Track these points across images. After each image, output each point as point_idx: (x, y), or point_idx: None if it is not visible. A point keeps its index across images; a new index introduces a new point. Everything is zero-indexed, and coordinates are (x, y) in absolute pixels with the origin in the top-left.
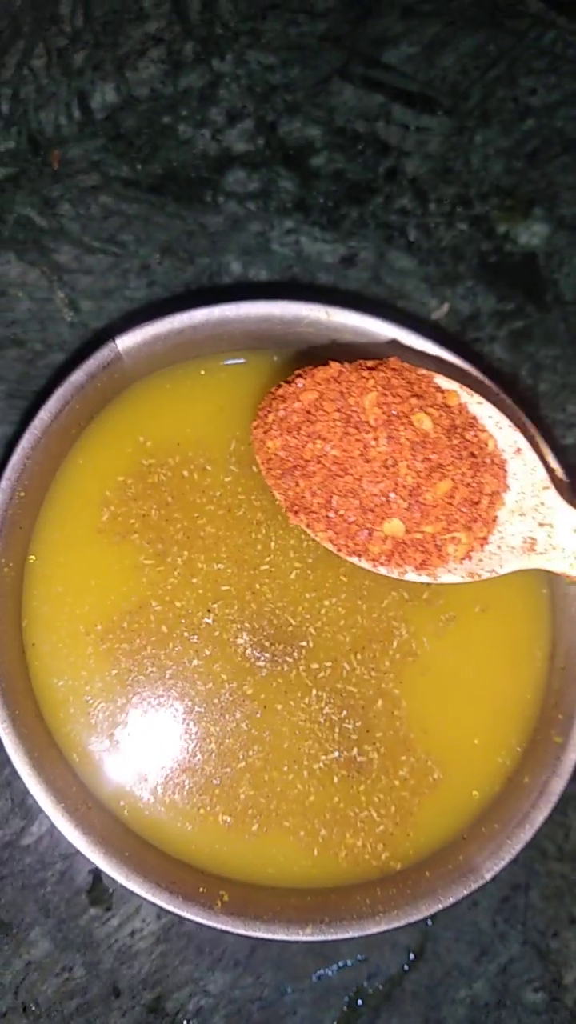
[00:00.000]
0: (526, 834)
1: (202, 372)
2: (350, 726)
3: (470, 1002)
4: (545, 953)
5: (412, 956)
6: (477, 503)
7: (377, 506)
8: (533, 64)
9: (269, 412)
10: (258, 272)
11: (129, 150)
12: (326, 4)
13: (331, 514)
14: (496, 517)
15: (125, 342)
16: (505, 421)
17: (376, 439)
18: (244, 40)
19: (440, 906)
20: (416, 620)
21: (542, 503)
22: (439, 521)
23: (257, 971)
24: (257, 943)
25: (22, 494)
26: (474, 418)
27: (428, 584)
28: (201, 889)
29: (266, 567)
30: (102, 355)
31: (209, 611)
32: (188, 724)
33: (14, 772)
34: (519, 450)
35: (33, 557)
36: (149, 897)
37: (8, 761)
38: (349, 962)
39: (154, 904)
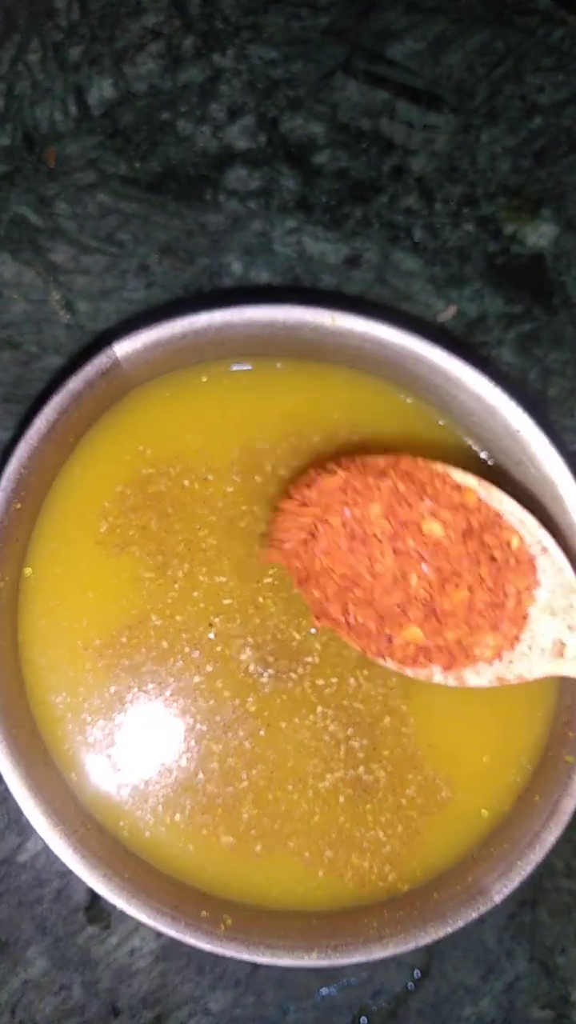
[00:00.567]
0: (536, 855)
1: (203, 379)
2: (356, 744)
3: (476, 1020)
4: (552, 970)
5: (417, 974)
6: (501, 605)
7: (393, 615)
8: (541, 62)
9: (277, 528)
10: (259, 272)
11: (127, 147)
12: None
13: (351, 620)
14: (527, 615)
15: (124, 348)
16: (529, 518)
17: (382, 553)
18: (245, 34)
19: (449, 929)
20: None
21: (571, 605)
22: (460, 627)
23: (259, 990)
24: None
25: (18, 505)
26: (497, 515)
27: None
28: (204, 913)
29: (269, 580)
30: (100, 361)
31: (211, 625)
32: (189, 742)
33: (9, 789)
34: (545, 549)
35: (29, 570)
36: (150, 921)
37: (3, 777)
38: (353, 980)
39: (154, 928)
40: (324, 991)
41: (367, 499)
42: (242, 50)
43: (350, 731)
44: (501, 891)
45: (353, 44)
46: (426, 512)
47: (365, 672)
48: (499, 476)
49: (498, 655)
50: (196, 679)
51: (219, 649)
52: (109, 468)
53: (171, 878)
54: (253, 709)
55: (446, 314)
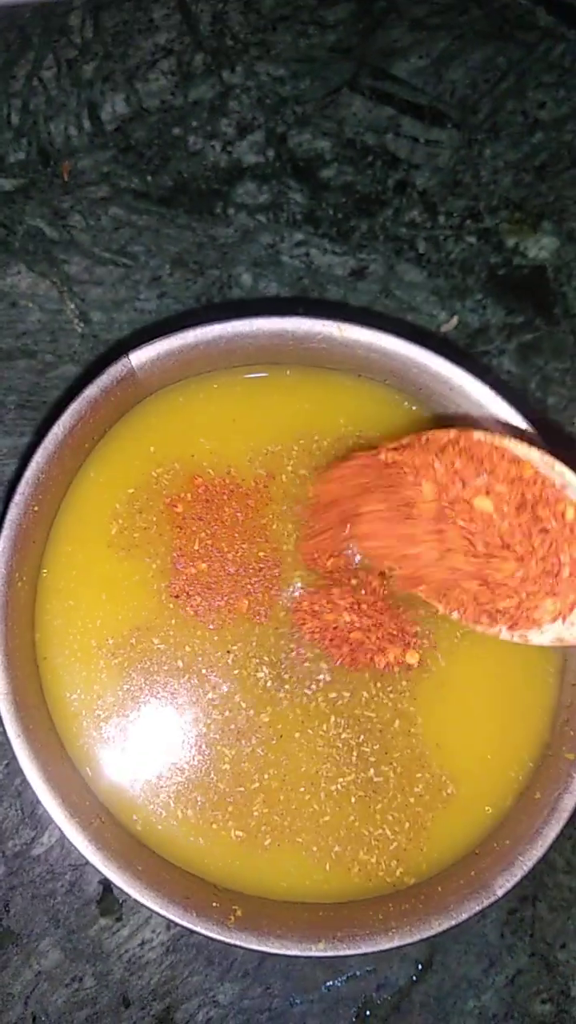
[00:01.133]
0: (538, 850)
1: (215, 386)
2: (368, 749)
3: (479, 1013)
4: (553, 965)
5: (420, 967)
6: (557, 573)
7: (450, 588)
8: (542, 78)
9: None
10: (268, 284)
11: (139, 161)
12: (335, 16)
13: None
14: None
15: (139, 357)
16: None
17: (427, 532)
18: (254, 52)
19: (453, 922)
20: (431, 637)
21: None
22: (513, 596)
23: (266, 982)
24: (266, 954)
25: (36, 508)
26: (552, 486)
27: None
28: (214, 904)
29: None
30: (116, 370)
31: (228, 651)
32: (202, 746)
33: (24, 782)
34: None
35: (46, 571)
36: (162, 911)
37: (18, 771)
38: (358, 973)
39: (167, 918)
40: (329, 983)
41: (422, 477)
42: (251, 67)
43: (362, 738)
44: (503, 885)
45: (359, 61)
46: (480, 487)
47: (378, 684)
48: None
49: (561, 617)
50: (209, 695)
51: (236, 672)
52: (122, 472)
53: (182, 870)
54: (267, 720)
55: (449, 325)
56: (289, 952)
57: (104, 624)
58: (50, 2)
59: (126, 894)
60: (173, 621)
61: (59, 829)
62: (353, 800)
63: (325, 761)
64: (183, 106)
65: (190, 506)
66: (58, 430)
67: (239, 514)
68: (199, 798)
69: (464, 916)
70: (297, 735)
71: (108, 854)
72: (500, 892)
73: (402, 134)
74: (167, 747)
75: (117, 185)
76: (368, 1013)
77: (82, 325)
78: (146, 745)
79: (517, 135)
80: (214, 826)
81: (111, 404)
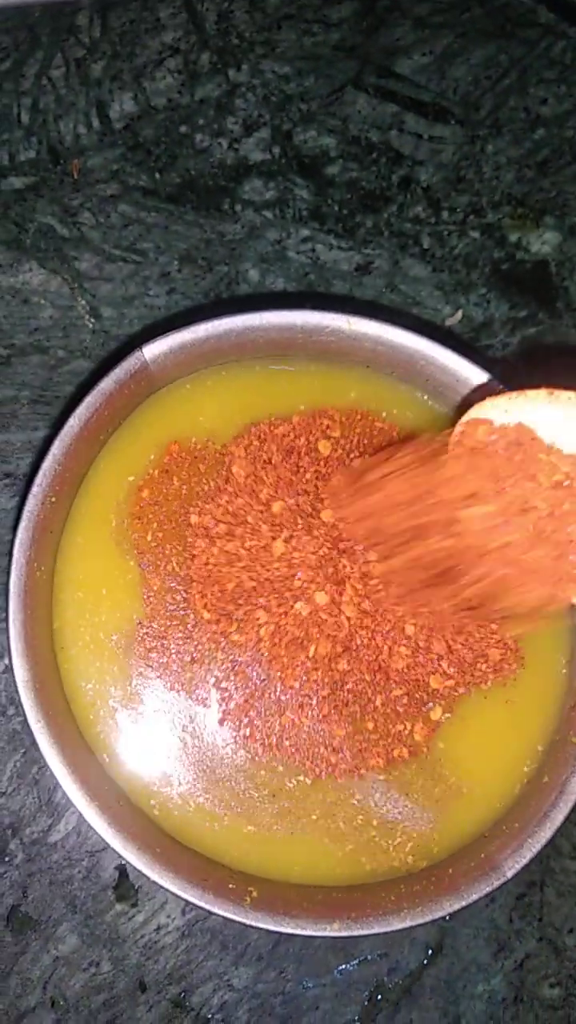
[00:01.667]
0: (546, 833)
1: (226, 379)
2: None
3: (488, 997)
4: (561, 949)
5: (431, 952)
6: None
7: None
8: (544, 74)
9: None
10: (275, 279)
11: (147, 159)
12: (339, 14)
13: None
14: None
15: (152, 350)
16: None
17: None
18: (259, 50)
19: (463, 903)
20: None
21: None
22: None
23: (280, 966)
24: (280, 938)
25: (52, 499)
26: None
27: None
28: (230, 886)
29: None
30: (130, 363)
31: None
32: (211, 742)
33: (41, 771)
34: None
35: (62, 561)
36: (180, 893)
37: (36, 760)
38: (369, 957)
39: (184, 900)
40: (342, 967)
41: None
42: (256, 65)
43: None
44: (513, 867)
45: (363, 59)
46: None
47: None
48: None
49: None
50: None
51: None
52: (131, 464)
53: (199, 854)
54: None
55: (453, 319)
56: (304, 932)
57: (108, 619)
58: (58, 2)
59: (142, 880)
60: (180, 614)
61: (76, 816)
62: (364, 786)
63: (337, 706)
64: (190, 104)
65: (195, 497)
66: (74, 422)
67: (270, 503)
68: (212, 788)
69: (474, 897)
70: (307, 719)
71: (126, 837)
72: (510, 873)
73: (406, 131)
74: (178, 742)
75: (126, 183)
76: (380, 997)
77: (93, 321)
78: (159, 734)
79: (519, 131)
80: (227, 813)
81: (125, 397)
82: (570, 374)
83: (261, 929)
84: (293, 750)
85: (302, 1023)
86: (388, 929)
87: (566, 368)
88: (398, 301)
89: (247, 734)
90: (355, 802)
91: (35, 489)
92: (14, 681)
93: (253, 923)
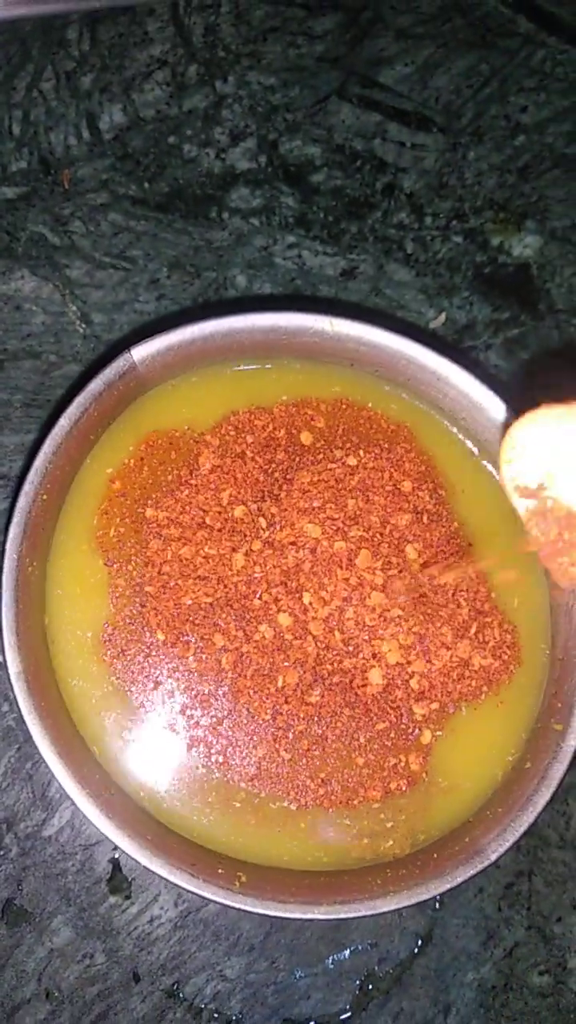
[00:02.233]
0: (528, 817)
1: (212, 379)
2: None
3: (478, 985)
4: (549, 938)
5: (420, 941)
6: None
7: None
8: (524, 82)
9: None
10: (262, 285)
11: (137, 169)
12: (323, 26)
13: None
14: None
15: (140, 352)
16: None
17: None
18: (245, 62)
19: (448, 886)
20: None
21: None
22: None
23: (272, 956)
24: (272, 929)
25: (44, 497)
26: None
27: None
28: (220, 871)
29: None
30: (119, 364)
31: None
32: (184, 763)
33: (35, 766)
34: None
35: (51, 558)
36: (170, 878)
37: (30, 755)
38: (360, 947)
39: (175, 885)
40: (333, 957)
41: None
42: (243, 77)
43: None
44: (496, 851)
45: (347, 70)
46: None
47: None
48: (483, 464)
49: None
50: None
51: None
52: (116, 463)
53: (188, 840)
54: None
55: (437, 322)
56: (292, 915)
57: (84, 617)
58: (49, 15)
59: (135, 873)
60: (138, 631)
61: (69, 811)
62: (356, 813)
63: (317, 740)
64: (178, 115)
65: (155, 488)
66: (64, 422)
67: (232, 506)
68: (198, 780)
69: (459, 880)
70: (286, 752)
71: (119, 824)
72: (493, 856)
73: (389, 139)
74: (162, 737)
75: (116, 192)
76: (370, 986)
77: (84, 326)
78: (143, 733)
79: (500, 138)
80: (213, 812)
81: (114, 397)
82: (551, 374)
83: (251, 913)
84: (272, 782)
85: (294, 1012)
86: (375, 912)
87: (547, 368)
88: (383, 305)
89: (219, 762)
90: (347, 822)
91: (27, 487)
92: (8, 677)
93: (243, 907)
